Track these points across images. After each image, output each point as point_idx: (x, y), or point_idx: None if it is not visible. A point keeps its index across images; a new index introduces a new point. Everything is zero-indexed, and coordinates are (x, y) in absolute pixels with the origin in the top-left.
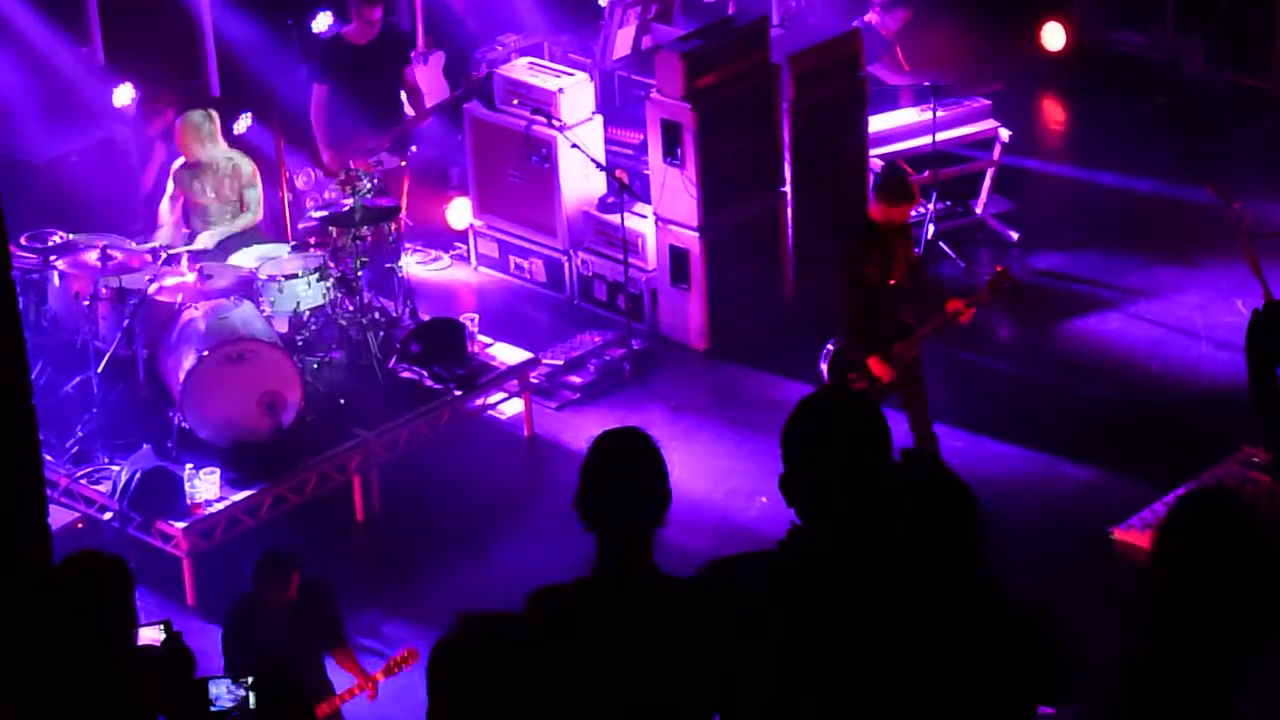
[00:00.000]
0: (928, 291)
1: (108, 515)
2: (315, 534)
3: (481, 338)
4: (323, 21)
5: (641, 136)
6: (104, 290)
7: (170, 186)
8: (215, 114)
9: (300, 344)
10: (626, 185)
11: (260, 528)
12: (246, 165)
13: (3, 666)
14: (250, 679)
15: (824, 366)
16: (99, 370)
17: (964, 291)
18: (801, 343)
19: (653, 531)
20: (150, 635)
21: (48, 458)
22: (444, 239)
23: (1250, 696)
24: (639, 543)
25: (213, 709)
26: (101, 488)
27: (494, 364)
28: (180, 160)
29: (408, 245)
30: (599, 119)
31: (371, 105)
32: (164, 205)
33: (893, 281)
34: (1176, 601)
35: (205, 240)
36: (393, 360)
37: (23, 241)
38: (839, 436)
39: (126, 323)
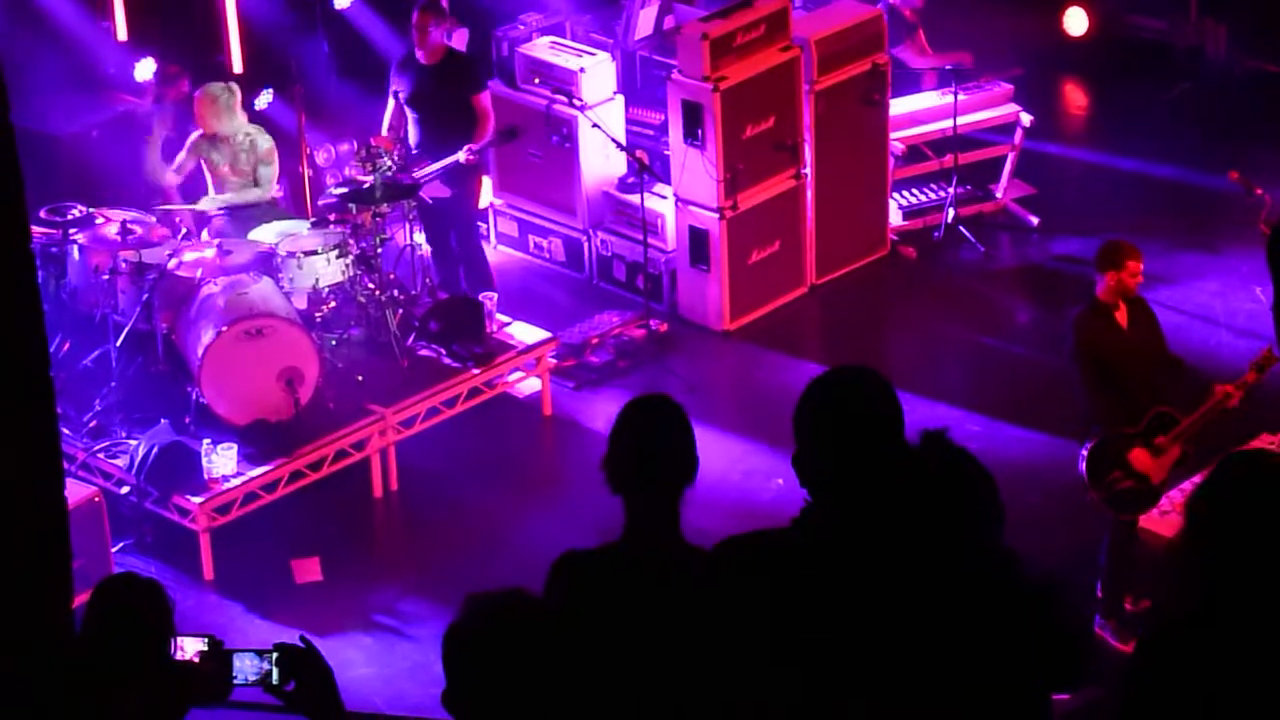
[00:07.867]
0: (1184, 377)
1: (125, 489)
2: (332, 511)
3: (500, 316)
4: None
5: (662, 117)
6: (123, 264)
7: (181, 156)
8: (236, 87)
9: (319, 320)
10: (647, 166)
11: (277, 503)
12: (264, 141)
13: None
14: (275, 653)
15: (1082, 468)
16: (118, 344)
17: (988, 275)
18: (819, 325)
19: (679, 496)
20: (193, 646)
21: (65, 431)
22: None
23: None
24: (666, 507)
25: (235, 682)
26: (119, 462)
27: (512, 343)
28: (198, 131)
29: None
30: (620, 99)
31: (429, 127)
32: (170, 173)
33: (1136, 365)
34: (1212, 568)
35: (206, 203)
36: (411, 338)
37: (43, 215)
38: (850, 415)
39: (145, 297)
